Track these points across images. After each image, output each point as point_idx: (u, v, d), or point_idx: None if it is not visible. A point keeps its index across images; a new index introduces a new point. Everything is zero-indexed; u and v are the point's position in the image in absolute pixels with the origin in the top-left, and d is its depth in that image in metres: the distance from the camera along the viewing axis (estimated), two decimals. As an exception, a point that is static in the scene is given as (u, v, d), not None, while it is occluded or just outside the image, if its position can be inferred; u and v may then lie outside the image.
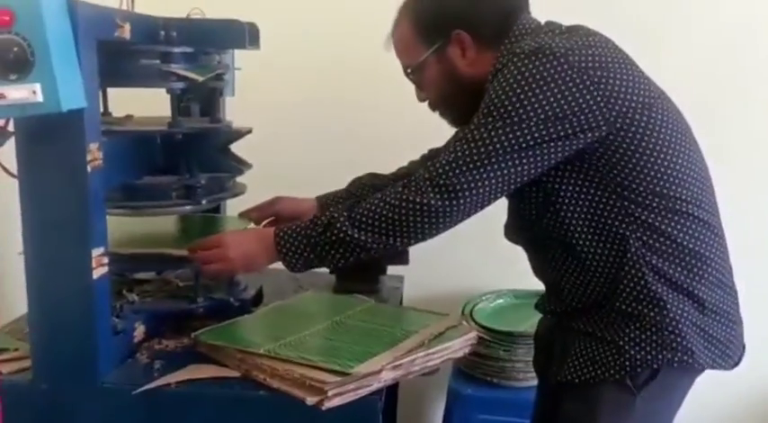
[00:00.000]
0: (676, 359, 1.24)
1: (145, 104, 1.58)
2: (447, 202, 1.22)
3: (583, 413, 1.31)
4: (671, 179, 1.24)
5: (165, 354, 1.40)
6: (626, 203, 1.24)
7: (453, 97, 1.36)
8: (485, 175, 1.20)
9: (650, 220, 1.24)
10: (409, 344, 1.33)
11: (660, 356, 1.24)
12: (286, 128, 2.18)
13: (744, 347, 1.35)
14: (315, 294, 1.69)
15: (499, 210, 1.37)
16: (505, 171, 1.21)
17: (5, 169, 1.22)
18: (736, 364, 1.33)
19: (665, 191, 1.24)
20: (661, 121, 1.24)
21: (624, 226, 1.24)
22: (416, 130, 1.67)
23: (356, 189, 1.65)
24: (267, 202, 1.66)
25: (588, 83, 1.19)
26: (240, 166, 1.62)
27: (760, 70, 2.15)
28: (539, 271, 1.43)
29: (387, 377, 1.26)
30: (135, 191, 1.46)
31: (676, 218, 1.25)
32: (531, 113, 1.18)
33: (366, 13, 1.89)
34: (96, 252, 1.23)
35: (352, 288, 1.70)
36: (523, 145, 1.19)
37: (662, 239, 1.24)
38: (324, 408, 1.18)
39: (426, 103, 1.42)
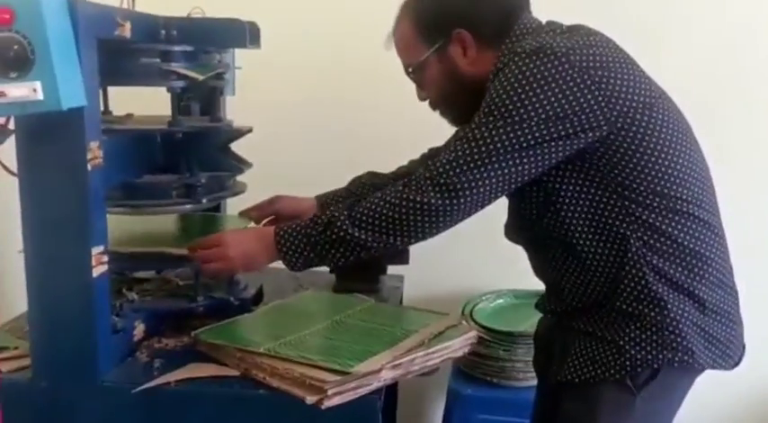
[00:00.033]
0: (677, 359, 1.24)
1: (145, 103, 1.59)
2: (447, 202, 1.22)
3: (583, 413, 1.31)
4: (672, 179, 1.24)
5: (164, 352, 1.40)
6: (626, 203, 1.24)
7: (454, 96, 1.36)
8: (485, 175, 1.20)
9: (651, 220, 1.24)
10: (409, 343, 1.33)
11: (660, 356, 1.24)
12: (286, 127, 2.18)
13: (744, 348, 1.35)
14: (315, 293, 1.69)
15: (499, 209, 1.37)
16: (506, 170, 1.20)
17: (6, 167, 1.22)
18: (737, 364, 1.33)
19: (665, 191, 1.24)
20: (662, 120, 1.24)
21: (625, 226, 1.24)
22: (416, 130, 1.67)
23: (356, 188, 1.65)
24: (267, 200, 1.66)
25: (589, 82, 1.19)
26: (240, 165, 1.62)
27: (760, 70, 2.15)
28: (539, 271, 1.43)
29: (386, 376, 1.25)
30: (135, 189, 1.46)
31: (677, 218, 1.25)
32: (532, 113, 1.18)
33: (366, 13, 1.89)
34: (96, 250, 1.23)
35: (352, 287, 1.70)
36: (524, 144, 1.19)
37: (662, 239, 1.24)
38: (323, 407, 1.17)
39: (426, 103, 1.42)
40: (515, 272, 1.63)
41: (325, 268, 1.42)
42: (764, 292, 2.04)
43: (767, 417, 2.31)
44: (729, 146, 2.05)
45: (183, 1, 1.50)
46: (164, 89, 1.46)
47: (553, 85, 1.18)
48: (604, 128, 1.20)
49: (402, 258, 1.72)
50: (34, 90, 1.05)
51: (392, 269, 1.81)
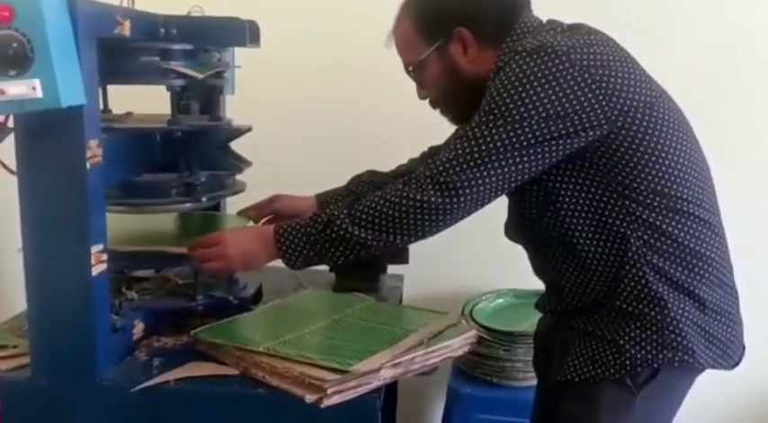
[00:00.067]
0: (677, 358, 1.24)
1: (145, 102, 1.59)
2: (447, 200, 1.21)
3: (582, 412, 1.31)
4: (672, 178, 1.24)
5: (163, 351, 1.39)
6: (627, 202, 1.23)
7: (454, 95, 1.36)
8: (485, 173, 1.20)
9: (651, 220, 1.23)
10: (409, 342, 1.33)
11: (660, 356, 1.24)
12: (286, 126, 2.18)
13: (744, 348, 1.35)
14: (314, 292, 1.69)
15: (499, 208, 1.37)
16: (506, 169, 1.20)
17: (5, 166, 1.22)
18: (737, 363, 1.33)
19: (666, 190, 1.23)
20: (662, 120, 1.24)
21: (625, 225, 1.24)
22: (416, 129, 1.67)
23: (356, 187, 1.65)
24: (266, 199, 1.66)
25: (590, 81, 1.18)
26: (240, 163, 1.62)
27: (760, 70, 2.15)
28: (539, 270, 1.42)
29: (386, 375, 1.25)
30: (134, 188, 1.46)
31: (677, 217, 1.24)
32: (533, 111, 1.18)
33: (366, 12, 1.89)
34: (95, 249, 1.23)
35: (351, 286, 1.69)
36: (524, 143, 1.19)
37: (663, 239, 1.24)
38: (323, 405, 1.17)
39: (427, 102, 1.42)
40: (515, 271, 1.63)
41: (324, 267, 1.41)
42: (764, 292, 2.03)
43: (767, 417, 2.31)
44: (729, 146, 2.05)
45: (182, -1, 1.50)
46: (163, 88, 1.46)
47: (554, 83, 1.17)
48: (605, 127, 1.20)
49: (402, 257, 1.72)
50: (33, 88, 1.05)
51: (392, 268, 1.81)
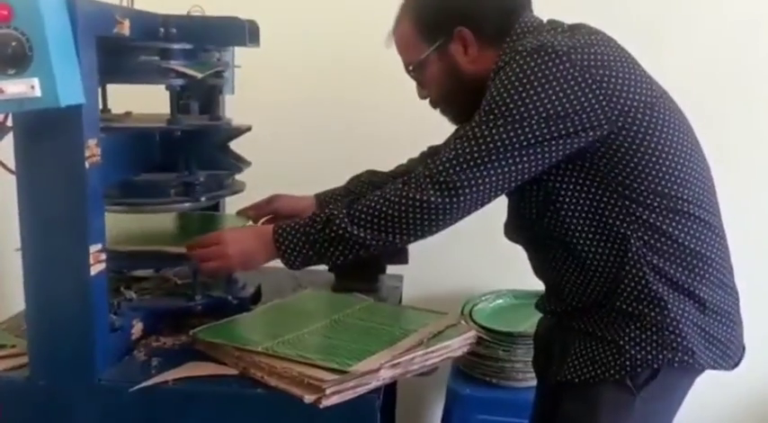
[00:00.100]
0: (677, 359, 1.24)
1: (144, 101, 1.58)
2: (447, 200, 1.21)
3: (582, 413, 1.31)
4: (672, 179, 1.23)
5: (162, 351, 1.39)
6: (627, 203, 1.23)
7: (454, 95, 1.35)
8: (485, 173, 1.20)
9: (651, 220, 1.23)
10: (408, 343, 1.32)
11: (660, 356, 1.24)
12: (285, 126, 2.18)
13: (744, 348, 1.35)
14: (314, 292, 1.69)
15: (499, 208, 1.37)
16: (506, 169, 1.20)
17: (3, 165, 1.22)
18: (737, 364, 1.33)
19: (666, 190, 1.23)
20: (663, 120, 1.24)
21: (625, 225, 1.24)
22: (416, 129, 1.67)
23: (355, 186, 1.65)
24: (265, 199, 1.66)
25: (590, 81, 1.18)
26: (239, 163, 1.62)
27: (761, 70, 2.15)
28: (539, 270, 1.42)
29: (385, 376, 1.25)
30: (133, 188, 1.46)
31: (677, 218, 1.24)
32: (533, 111, 1.17)
33: (366, 12, 1.89)
34: (94, 249, 1.22)
35: (351, 287, 1.69)
36: (524, 143, 1.19)
37: (663, 239, 1.24)
38: (322, 406, 1.17)
39: (426, 101, 1.42)
40: (515, 272, 1.62)
41: (324, 267, 1.41)
42: (764, 292, 2.03)
43: (767, 417, 2.30)
44: (729, 146, 2.05)
45: (182, -1, 1.50)
46: (163, 87, 1.46)
47: (554, 83, 1.17)
48: (605, 127, 1.20)
49: (401, 258, 1.72)
50: (32, 87, 1.05)
51: (391, 269, 1.80)
